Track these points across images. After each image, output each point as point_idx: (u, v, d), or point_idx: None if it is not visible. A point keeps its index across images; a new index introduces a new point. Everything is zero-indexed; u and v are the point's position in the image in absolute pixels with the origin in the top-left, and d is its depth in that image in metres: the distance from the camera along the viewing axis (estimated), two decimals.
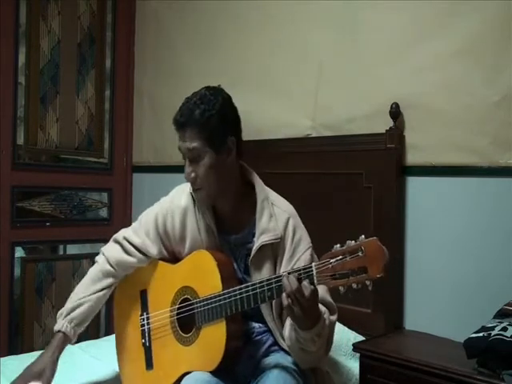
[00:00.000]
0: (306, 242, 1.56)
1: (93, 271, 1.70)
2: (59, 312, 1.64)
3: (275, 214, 1.54)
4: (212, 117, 1.47)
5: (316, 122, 2.33)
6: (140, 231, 1.66)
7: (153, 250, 1.64)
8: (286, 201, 1.63)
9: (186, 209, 1.60)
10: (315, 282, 1.28)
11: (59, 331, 1.60)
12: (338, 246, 1.26)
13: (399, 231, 2.02)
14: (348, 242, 1.25)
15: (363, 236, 1.24)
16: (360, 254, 1.22)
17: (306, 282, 1.28)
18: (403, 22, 2.05)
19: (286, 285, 1.30)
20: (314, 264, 1.29)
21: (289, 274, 1.32)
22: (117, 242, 1.70)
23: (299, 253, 1.53)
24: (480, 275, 1.83)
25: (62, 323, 1.61)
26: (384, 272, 1.21)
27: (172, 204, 1.63)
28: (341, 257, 1.24)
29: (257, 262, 1.52)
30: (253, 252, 1.52)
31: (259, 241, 1.51)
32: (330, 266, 1.25)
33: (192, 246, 1.59)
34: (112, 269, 1.67)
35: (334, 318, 1.48)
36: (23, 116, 2.92)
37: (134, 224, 1.72)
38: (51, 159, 3.10)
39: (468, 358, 1.52)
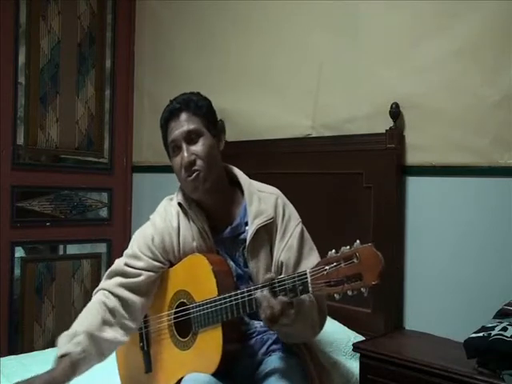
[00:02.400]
0: (295, 218, 1.58)
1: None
2: None
3: (263, 198, 1.57)
4: (204, 105, 1.58)
5: (316, 122, 2.33)
6: (137, 254, 1.57)
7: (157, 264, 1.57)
8: (268, 185, 1.65)
9: (179, 226, 1.57)
10: (310, 290, 1.26)
11: None
12: (333, 252, 1.24)
13: (399, 231, 2.01)
14: (343, 248, 1.23)
15: (358, 242, 1.22)
16: (355, 260, 1.19)
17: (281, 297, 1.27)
18: (403, 23, 2.05)
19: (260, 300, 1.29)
20: (308, 271, 1.26)
21: (284, 281, 1.29)
22: (116, 274, 1.56)
23: (291, 229, 1.54)
24: (480, 275, 1.83)
25: None
26: (380, 279, 1.18)
27: (166, 223, 1.58)
28: (335, 263, 1.21)
29: (253, 248, 1.51)
30: (249, 238, 1.51)
31: (254, 224, 1.50)
32: (325, 272, 1.22)
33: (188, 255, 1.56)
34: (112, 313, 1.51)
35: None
36: (23, 116, 2.92)
37: (126, 251, 1.61)
38: (51, 159, 3.09)
39: (468, 358, 1.53)
